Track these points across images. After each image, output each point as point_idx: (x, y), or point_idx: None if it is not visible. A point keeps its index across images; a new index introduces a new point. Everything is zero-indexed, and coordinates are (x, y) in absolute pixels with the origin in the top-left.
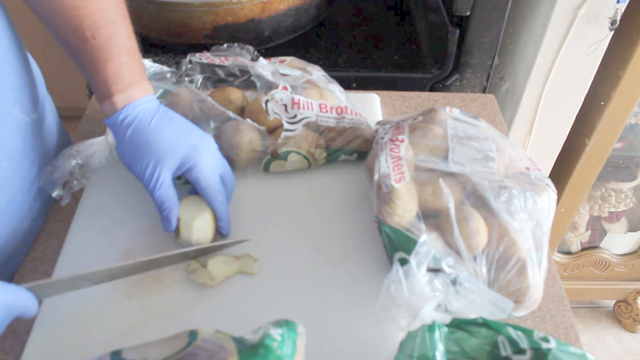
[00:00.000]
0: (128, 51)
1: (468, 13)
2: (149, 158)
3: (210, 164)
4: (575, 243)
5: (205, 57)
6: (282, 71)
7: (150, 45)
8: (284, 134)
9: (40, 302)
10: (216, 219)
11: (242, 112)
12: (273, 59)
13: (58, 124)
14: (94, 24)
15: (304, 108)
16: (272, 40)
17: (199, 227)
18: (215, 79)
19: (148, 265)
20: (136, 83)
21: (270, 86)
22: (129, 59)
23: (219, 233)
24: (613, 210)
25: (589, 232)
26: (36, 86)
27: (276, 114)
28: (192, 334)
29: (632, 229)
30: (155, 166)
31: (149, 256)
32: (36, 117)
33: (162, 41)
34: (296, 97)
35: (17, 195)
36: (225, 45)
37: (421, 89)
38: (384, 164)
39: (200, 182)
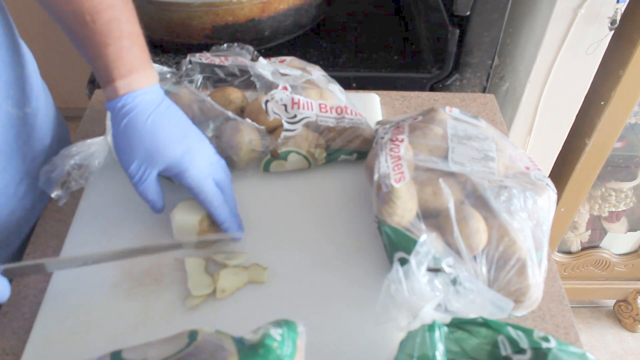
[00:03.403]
0: (129, 35)
1: (468, 13)
2: (136, 154)
3: (200, 170)
4: (575, 243)
5: (205, 57)
6: (282, 71)
7: (150, 45)
8: (283, 134)
9: (10, 282)
10: (217, 223)
11: (242, 112)
12: (273, 59)
13: (55, 115)
14: (94, 8)
15: (303, 108)
16: (272, 40)
17: (190, 228)
18: (215, 79)
19: (136, 253)
20: (138, 69)
21: (270, 86)
22: (130, 43)
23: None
24: (613, 209)
25: (589, 231)
26: (30, 79)
27: (276, 114)
28: (192, 334)
29: (632, 228)
30: (140, 164)
31: (141, 245)
32: (29, 111)
33: (162, 41)
34: (296, 97)
35: (8, 189)
36: (225, 45)
37: (421, 89)
38: (384, 163)
39: (192, 187)
